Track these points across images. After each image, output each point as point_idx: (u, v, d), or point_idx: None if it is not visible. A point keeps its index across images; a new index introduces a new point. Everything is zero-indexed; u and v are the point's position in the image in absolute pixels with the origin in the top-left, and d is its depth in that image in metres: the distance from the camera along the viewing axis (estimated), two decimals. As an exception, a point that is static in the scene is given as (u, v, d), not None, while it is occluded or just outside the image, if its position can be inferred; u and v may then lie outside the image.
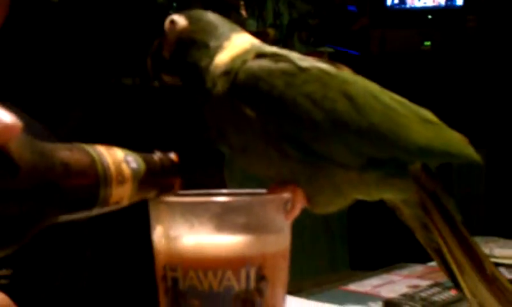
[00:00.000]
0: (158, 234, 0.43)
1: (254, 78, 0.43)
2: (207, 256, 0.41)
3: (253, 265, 0.41)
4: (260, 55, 0.44)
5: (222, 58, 0.45)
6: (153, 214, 0.43)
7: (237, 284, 0.41)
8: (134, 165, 0.38)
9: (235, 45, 0.45)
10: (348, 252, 2.54)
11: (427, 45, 2.66)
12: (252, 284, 0.41)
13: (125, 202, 0.38)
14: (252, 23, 2.29)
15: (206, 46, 0.45)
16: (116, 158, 0.37)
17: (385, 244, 2.23)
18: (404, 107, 0.46)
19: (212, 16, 0.47)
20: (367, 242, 2.46)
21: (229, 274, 0.40)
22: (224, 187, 0.49)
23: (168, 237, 0.42)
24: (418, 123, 0.46)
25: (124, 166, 0.37)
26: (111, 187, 0.36)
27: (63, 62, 1.52)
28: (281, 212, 0.43)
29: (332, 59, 2.76)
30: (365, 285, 0.90)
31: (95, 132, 1.46)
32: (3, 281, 0.64)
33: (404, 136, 0.45)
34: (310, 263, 2.30)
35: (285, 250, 0.44)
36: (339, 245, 2.53)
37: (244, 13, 2.19)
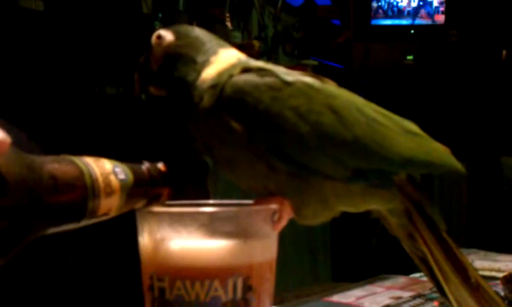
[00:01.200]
0: (145, 244, 0.43)
1: (240, 92, 0.43)
2: (194, 266, 0.41)
3: (240, 275, 0.41)
4: (246, 69, 0.44)
5: (209, 72, 0.45)
6: (140, 224, 0.43)
7: (224, 294, 0.41)
8: (122, 176, 0.38)
9: (222, 59, 0.46)
10: (330, 264, 2.54)
11: (409, 59, 2.69)
12: (239, 294, 0.41)
13: (113, 213, 0.38)
14: (237, 35, 2.30)
15: (193, 61, 0.46)
16: (104, 169, 0.37)
17: (367, 256, 2.24)
18: (387, 119, 0.47)
19: (199, 32, 0.47)
20: (349, 254, 2.47)
21: (216, 284, 0.41)
22: (208, 198, 0.50)
23: (155, 247, 0.42)
24: (402, 134, 0.47)
25: (112, 178, 0.37)
26: (99, 198, 0.36)
27: (46, 72, 1.51)
28: (268, 222, 0.44)
29: (316, 71, 2.79)
30: (349, 296, 0.91)
31: (79, 141, 1.45)
32: None
33: (388, 147, 0.45)
34: (292, 274, 2.30)
35: (272, 260, 0.44)
36: (321, 257, 2.53)
37: (229, 25, 2.20)
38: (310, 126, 0.43)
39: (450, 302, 0.48)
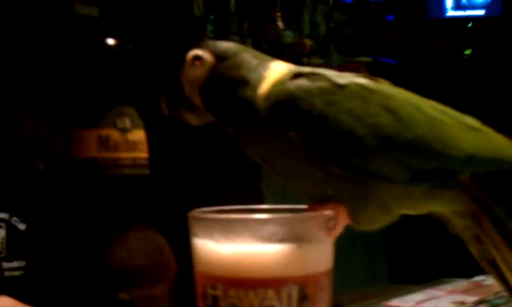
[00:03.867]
0: (198, 251, 0.42)
1: (292, 98, 0.42)
2: (248, 275, 0.40)
3: (295, 284, 0.40)
4: (297, 75, 0.43)
5: (264, 88, 0.44)
6: (193, 231, 0.43)
7: (278, 303, 0.40)
8: None
9: (274, 72, 0.44)
10: (388, 265, 2.49)
11: (467, 54, 2.61)
12: (294, 303, 0.40)
13: None
14: (289, 34, 2.28)
15: (246, 81, 0.44)
16: None
17: (426, 257, 2.18)
18: (447, 115, 0.45)
19: (241, 49, 0.46)
20: (407, 254, 2.41)
21: (270, 293, 0.39)
22: (262, 199, 0.49)
23: (207, 255, 0.41)
24: (464, 130, 0.45)
25: None
26: None
27: (98, 76, 1.53)
28: (324, 229, 0.42)
29: (370, 68, 2.74)
30: (408, 301, 0.88)
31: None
32: (16, 273, 0.65)
33: (450, 145, 0.43)
34: (348, 276, 2.27)
35: (328, 268, 0.43)
36: (379, 258, 2.49)
37: (280, 24, 2.19)
38: (367, 129, 0.42)
39: None
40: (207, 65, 0.45)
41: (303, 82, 0.43)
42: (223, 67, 0.45)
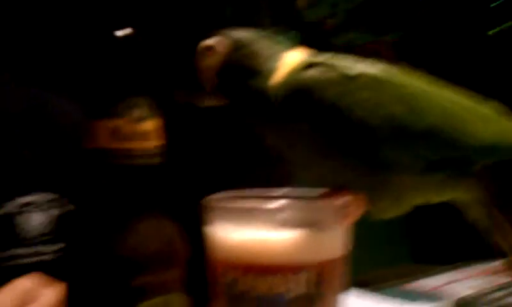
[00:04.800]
0: (211, 237, 0.43)
1: (304, 89, 0.42)
2: (261, 261, 0.40)
3: (308, 270, 0.40)
4: (310, 65, 0.43)
5: (277, 78, 0.43)
6: (206, 219, 0.43)
7: (291, 290, 0.40)
8: None
9: (288, 62, 0.44)
10: (410, 245, 2.48)
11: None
12: (307, 290, 0.40)
13: None
14: (310, 12, 2.26)
15: (257, 71, 0.44)
16: None
17: (449, 236, 2.16)
18: (464, 103, 0.44)
19: (256, 37, 0.45)
20: (430, 234, 2.39)
21: (283, 279, 0.40)
22: (282, 181, 0.48)
23: (220, 241, 0.42)
24: (483, 118, 0.44)
25: None
26: None
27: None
28: (338, 216, 0.42)
29: (395, 47, 2.70)
30: (430, 283, 0.88)
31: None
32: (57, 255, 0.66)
33: (466, 134, 0.43)
34: (369, 255, 2.26)
35: (343, 255, 0.43)
36: (400, 237, 2.47)
37: (302, 2, 2.17)
38: (380, 120, 0.41)
39: None
40: (221, 54, 0.45)
41: (315, 72, 0.42)
42: (237, 56, 0.44)
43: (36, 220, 0.71)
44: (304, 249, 0.41)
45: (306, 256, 0.40)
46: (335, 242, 0.42)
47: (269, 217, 0.41)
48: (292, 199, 0.45)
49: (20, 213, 0.70)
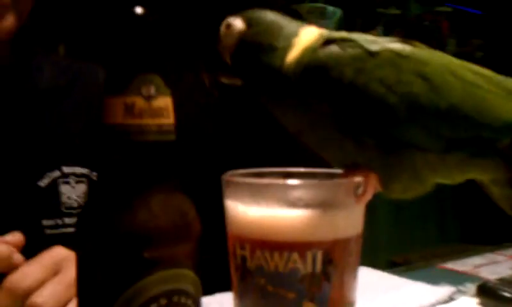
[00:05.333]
0: (229, 212, 0.44)
1: (322, 67, 0.41)
2: (273, 237, 0.41)
3: (320, 248, 0.41)
4: (328, 41, 0.42)
5: (293, 55, 0.43)
6: (224, 192, 0.44)
7: (302, 266, 0.40)
8: None
9: (304, 39, 0.44)
10: (460, 225, 2.43)
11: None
12: (319, 267, 0.41)
13: None
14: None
15: (274, 48, 0.44)
16: None
17: (499, 217, 2.10)
18: (488, 80, 0.43)
19: (273, 16, 0.45)
20: (478, 214, 2.33)
21: (295, 256, 0.40)
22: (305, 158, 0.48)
23: (236, 216, 0.43)
24: (504, 96, 0.43)
25: None
26: None
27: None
28: (351, 196, 0.42)
29: (450, 18, 2.61)
30: (465, 264, 0.86)
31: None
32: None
33: (487, 112, 0.42)
34: (418, 234, 2.23)
35: (356, 234, 0.43)
36: (450, 217, 2.42)
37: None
38: (399, 98, 0.41)
39: None
40: (238, 32, 0.45)
41: (333, 49, 0.42)
42: (252, 34, 0.44)
43: (79, 191, 0.74)
44: (318, 227, 0.41)
45: (320, 234, 0.41)
46: (348, 221, 0.42)
47: (281, 195, 0.41)
48: (307, 178, 0.45)
49: (65, 183, 0.73)
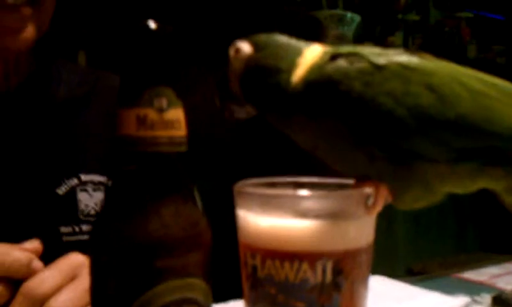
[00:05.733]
0: (240, 221, 0.44)
1: (330, 81, 0.42)
2: (283, 247, 0.41)
3: (330, 258, 0.41)
4: (335, 56, 0.43)
5: (298, 74, 0.43)
6: (237, 204, 0.45)
7: (312, 277, 0.41)
8: None
9: (308, 57, 0.44)
10: (479, 234, 2.40)
11: None
12: (328, 278, 0.41)
13: None
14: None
15: (278, 70, 0.44)
16: None
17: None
18: (497, 89, 0.43)
19: (278, 38, 0.45)
20: (498, 222, 2.31)
21: (305, 266, 0.41)
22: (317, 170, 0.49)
23: (247, 225, 0.43)
24: None
25: None
26: None
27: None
28: (362, 207, 0.42)
29: (471, 24, 2.59)
30: (482, 274, 0.86)
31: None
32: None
33: (497, 122, 0.42)
34: (437, 243, 2.21)
35: (367, 244, 0.43)
36: (470, 226, 2.40)
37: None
38: (407, 110, 0.41)
39: None
40: (245, 56, 0.45)
41: (340, 64, 0.42)
42: (259, 57, 0.45)
43: (96, 198, 0.75)
44: (328, 237, 0.41)
45: (330, 244, 0.41)
46: (359, 232, 0.43)
47: (291, 205, 0.42)
48: (318, 188, 0.45)
49: (83, 190, 0.75)
